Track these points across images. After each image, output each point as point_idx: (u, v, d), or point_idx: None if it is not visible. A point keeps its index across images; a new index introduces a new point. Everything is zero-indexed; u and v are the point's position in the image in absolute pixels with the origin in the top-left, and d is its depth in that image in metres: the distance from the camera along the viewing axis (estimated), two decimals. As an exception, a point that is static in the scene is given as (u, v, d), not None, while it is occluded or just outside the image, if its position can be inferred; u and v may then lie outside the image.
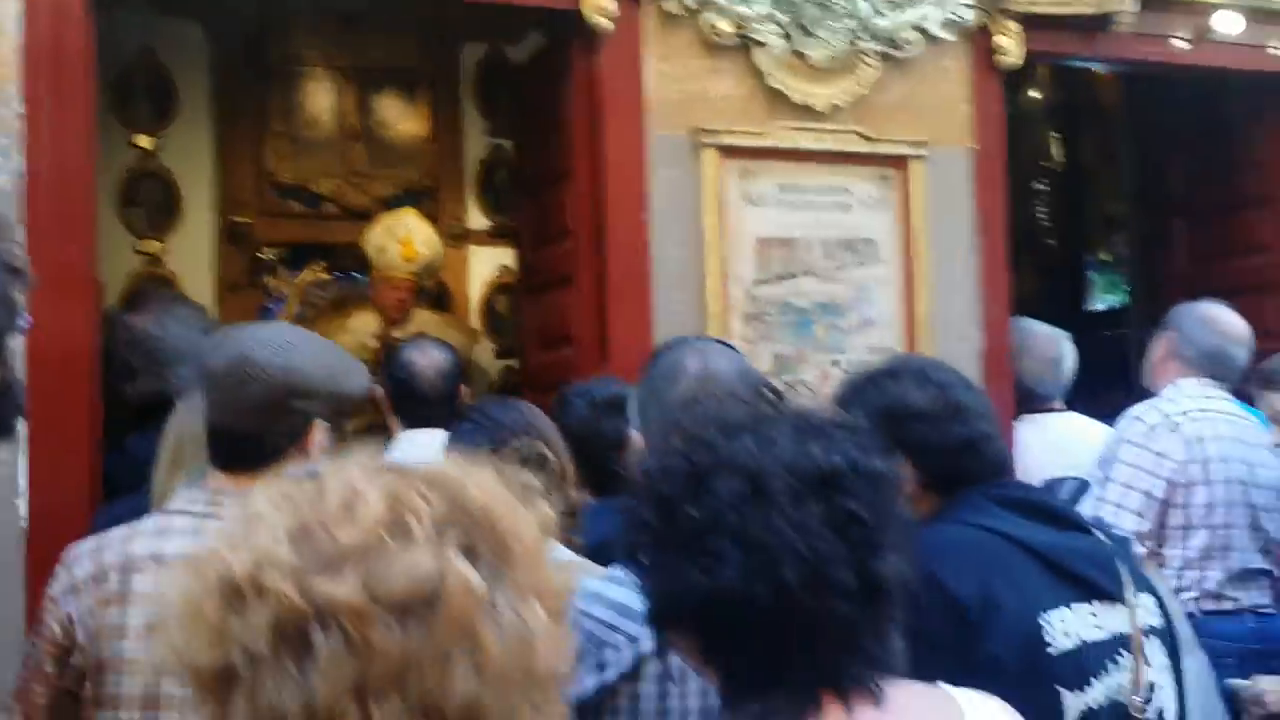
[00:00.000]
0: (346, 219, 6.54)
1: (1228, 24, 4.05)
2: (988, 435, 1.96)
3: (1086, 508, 3.31)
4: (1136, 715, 1.86)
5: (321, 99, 6.17)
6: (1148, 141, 5.19)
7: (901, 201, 3.55)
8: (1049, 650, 1.81)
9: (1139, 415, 3.34)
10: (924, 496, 2.01)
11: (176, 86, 5.52)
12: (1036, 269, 6.40)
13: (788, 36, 3.43)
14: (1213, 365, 3.41)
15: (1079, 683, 1.82)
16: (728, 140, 3.35)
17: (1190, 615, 3.16)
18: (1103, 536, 2.00)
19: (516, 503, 0.91)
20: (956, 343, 3.59)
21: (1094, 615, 1.88)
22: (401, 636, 0.82)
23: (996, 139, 3.73)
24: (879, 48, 3.54)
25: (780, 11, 3.41)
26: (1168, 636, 2.00)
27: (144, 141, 5.49)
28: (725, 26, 3.38)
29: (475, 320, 5.63)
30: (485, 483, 0.91)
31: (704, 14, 3.36)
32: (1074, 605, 1.86)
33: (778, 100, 3.44)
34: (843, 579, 1.10)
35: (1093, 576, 1.90)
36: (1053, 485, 3.58)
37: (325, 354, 1.91)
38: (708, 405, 1.28)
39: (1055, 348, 3.88)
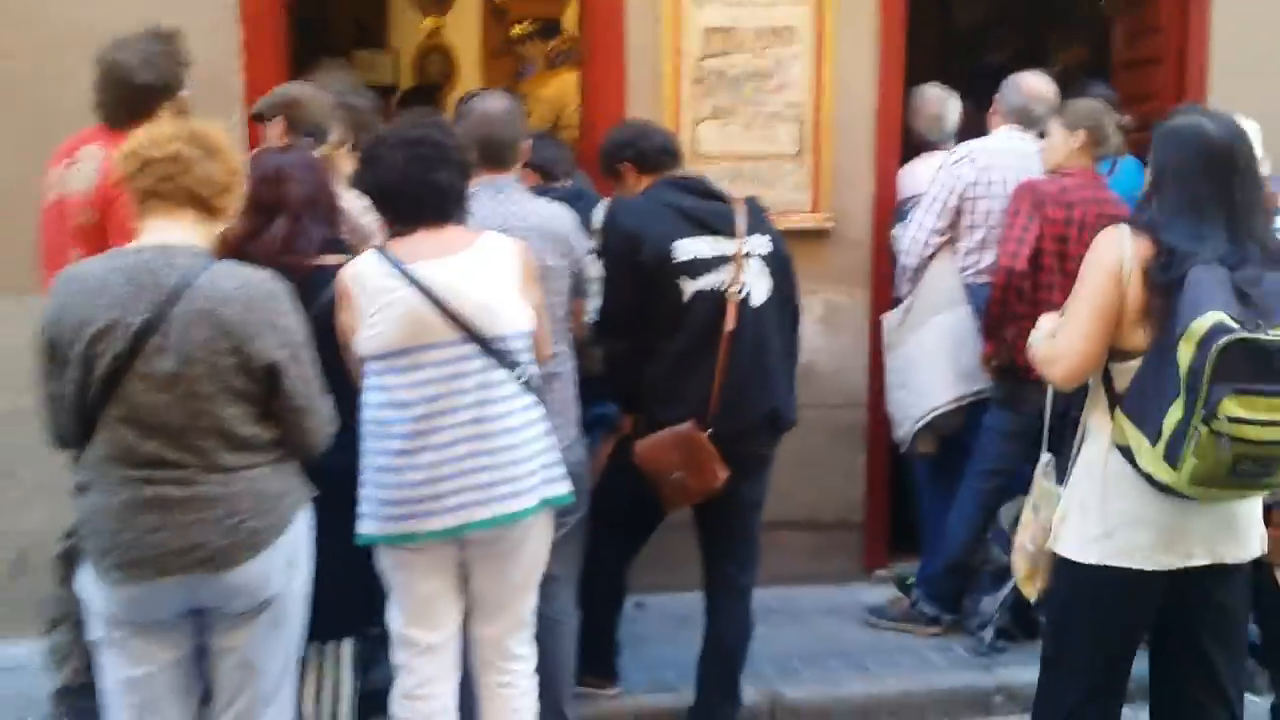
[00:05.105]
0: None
1: None
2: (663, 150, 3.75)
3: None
4: (731, 297, 3.62)
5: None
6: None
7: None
8: (674, 259, 3.58)
9: (953, 150, 4.87)
10: (639, 181, 3.80)
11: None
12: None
13: None
14: (1019, 116, 4.87)
15: (692, 275, 3.60)
16: (683, -41, 4.96)
17: (968, 286, 4.79)
18: (740, 206, 3.72)
19: None
20: (854, 102, 5.14)
21: (709, 242, 3.62)
22: None
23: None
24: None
25: None
26: (773, 259, 3.72)
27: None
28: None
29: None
30: None
31: None
32: (697, 238, 3.62)
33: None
34: (417, 180, 2.96)
35: (713, 222, 3.64)
36: (908, 199, 5.15)
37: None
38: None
39: (940, 106, 5.34)
